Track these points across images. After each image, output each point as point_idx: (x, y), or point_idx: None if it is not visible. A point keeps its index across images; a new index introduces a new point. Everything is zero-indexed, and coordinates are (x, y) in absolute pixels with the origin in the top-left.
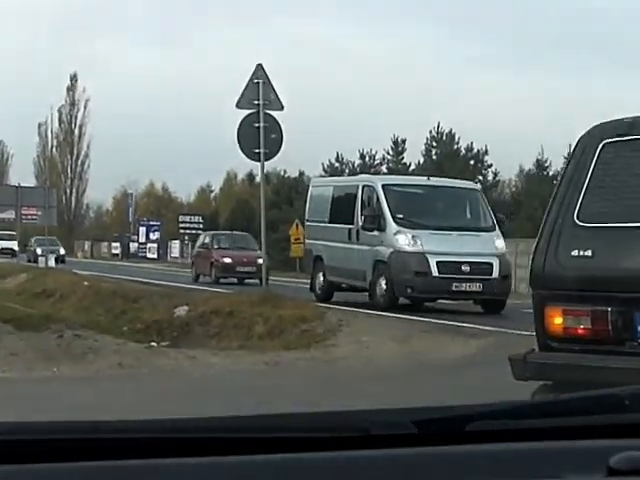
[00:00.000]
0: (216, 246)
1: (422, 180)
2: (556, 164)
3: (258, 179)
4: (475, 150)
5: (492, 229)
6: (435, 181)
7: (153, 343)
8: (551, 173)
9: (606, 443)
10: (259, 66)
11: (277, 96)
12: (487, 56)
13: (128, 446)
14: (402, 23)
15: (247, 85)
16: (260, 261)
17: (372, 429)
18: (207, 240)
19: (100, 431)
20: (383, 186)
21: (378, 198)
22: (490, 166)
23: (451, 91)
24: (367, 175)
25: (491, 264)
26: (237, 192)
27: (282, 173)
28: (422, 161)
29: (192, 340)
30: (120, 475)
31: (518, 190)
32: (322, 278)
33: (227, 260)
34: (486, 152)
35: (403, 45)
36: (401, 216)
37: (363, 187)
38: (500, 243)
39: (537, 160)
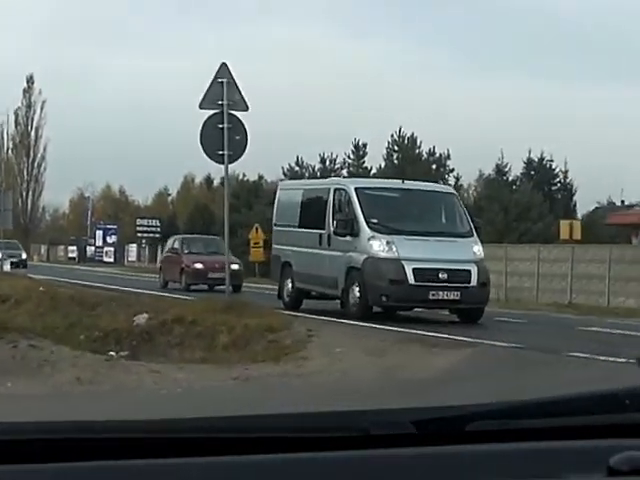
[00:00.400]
0: (186, 251)
1: (396, 183)
2: (516, 169)
3: (216, 183)
4: (437, 154)
5: (470, 234)
6: (410, 184)
7: (112, 353)
8: (510, 178)
9: (606, 443)
10: (223, 65)
11: (242, 96)
12: (450, 61)
13: (128, 446)
14: (368, 28)
15: (211, 85)
16: (234, 267)
17: (372, 429)
18: (176, 244)
19: (100, 431)
20: (356, 189)
21: (351, 202)
22: (452, 170)
23: (413, 95)
24: (339, 178)
25: (469, 271)
26: (195, 196)
27: (241, 177)
28: (383, 165)
29: (153, 350)
30: (120, 475)
31: (478, 195)
32: (290, 285)
33: (198, 266)
34: (448, 156)
35: (367, 49)
36: (375, 221)
37: (335, 190)
38: (478, 249)
39: (497, 165)
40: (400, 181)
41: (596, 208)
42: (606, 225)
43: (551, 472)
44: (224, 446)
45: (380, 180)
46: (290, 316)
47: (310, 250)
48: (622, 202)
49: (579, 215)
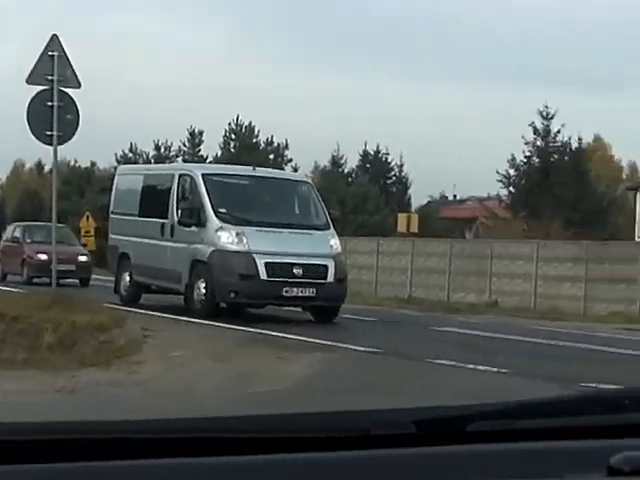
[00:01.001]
0: (29, 240)
1: (247, 170)
2: (352, 162)
3: (47, 168)
4: (275, 144)
5: (326, 227)
6: (261, 172)
7: None
8: (346, 170)
9: (606, 443)
10: (54, 37)
11: (74, 72)
12: (288, 52)
13: (128, 446)
14: (201, 15)
15: (40, 58)
16: (82, 258)
17: (372, 429)
18: (17, 233)
19: (100, 431)
20: (203, 176)
21: (197, 189)
22: (290, 161)
23: (251, 84)
24: (184, 163)
25: (326, 266)
26: (25, 181)
27: (72, 162)
28: (220, 154)
29: None
30: (119, 475)
31: (315, 186)
32: (128, 278)
33: (43, 257)
34: (286, 146)
35: (203, 38)
36: (224, 210)
37: (179, 176)
38: (335, 243)
39: (333, 157)
40: (251, 168)
41: (429, 202)
42: (439, 219)
43: (551, 472)
44: (224, 446)
45: (229, 166)
46: (126, 312)
47: (151, 241)
48: (455, 197)
49: (413, 208)
